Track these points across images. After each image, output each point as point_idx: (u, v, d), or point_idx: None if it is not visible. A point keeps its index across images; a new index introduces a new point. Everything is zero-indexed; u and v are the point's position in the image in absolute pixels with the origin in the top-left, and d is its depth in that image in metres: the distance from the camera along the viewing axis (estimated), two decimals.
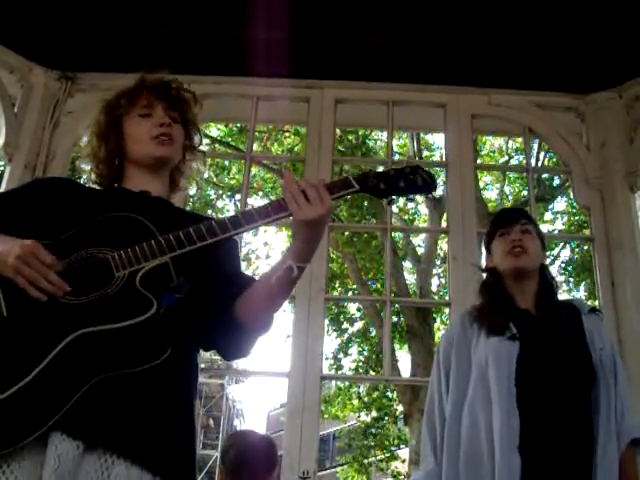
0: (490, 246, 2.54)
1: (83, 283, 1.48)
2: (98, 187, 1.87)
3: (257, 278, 1.73)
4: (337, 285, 12.90)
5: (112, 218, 1.62)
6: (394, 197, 1.65)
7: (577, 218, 12.62)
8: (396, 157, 11.18)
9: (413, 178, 1.62)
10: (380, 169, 1.68)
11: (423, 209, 12.94)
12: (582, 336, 2.30)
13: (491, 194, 13.98)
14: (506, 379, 2.20)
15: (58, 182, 1.83)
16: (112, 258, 1.51)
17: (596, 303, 3.61)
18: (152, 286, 1.49)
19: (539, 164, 10.64)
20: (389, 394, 13.45)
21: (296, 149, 11.77)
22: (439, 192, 12.29)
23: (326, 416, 14.37)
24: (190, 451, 1.55)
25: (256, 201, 13.65)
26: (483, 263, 2.67)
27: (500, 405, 2.17)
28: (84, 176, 1.92)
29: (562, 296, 12.69)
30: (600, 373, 2.23)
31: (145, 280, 1.50)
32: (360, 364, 13.22)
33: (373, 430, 13.82)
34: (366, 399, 13.70)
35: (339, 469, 19.70)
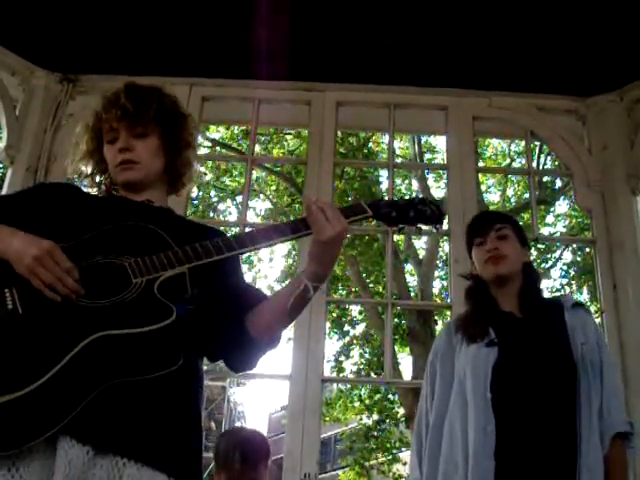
0: (471, 253, 2.54)
1: (99, 287, 1.48)
2: (100, 194, 1.89)
3: (269, 294, 1.76)
4: (339, 287, 12.90)
5: (126, 226, 1.63)
6: (404, 226, 1.71)
7: (579, 221, 12.61)
8: (398, 160, 11.17)
9: (422, 209, 1.69)
10: (392, 198, 1.73)
11: None
12: (564, 332, 2.28)
13: (494, 197, 13.99)
14: (482, 386, 2.20)
15: (63, 188, 1.83)
16: (129, 265, 1.52)
17: (598, 306, 3.60)
18: (168, 295, 1.50)
19: (541, 167, 10.65)
20: (390, 397, 13.44)
21: (298, 151, 11.78)
22: (441, 194, 12.38)
23: (327, 419, 14.37)
24: (198, 453, 1.56)
25: (257, 203, 13.69)
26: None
27: (476, 412, 2.17)
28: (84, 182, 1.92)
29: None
30: (581, 369, 2.20)
31: (162, 289, 1.50)
32: (362, 367, 13.23)
33: (375, 433, 13.81)
34: (367, 402, 13.69)
35: (340, 472, 19.70)
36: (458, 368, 2.31)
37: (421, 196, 1.74)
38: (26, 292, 1.44)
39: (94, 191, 1.89)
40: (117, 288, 1.48)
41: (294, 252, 12.76)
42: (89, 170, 1.88)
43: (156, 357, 1.46)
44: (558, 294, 12.66)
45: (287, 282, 1.71)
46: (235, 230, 4.31)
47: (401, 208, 1.69)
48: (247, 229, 3.27)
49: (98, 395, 1.36)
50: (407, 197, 1.74)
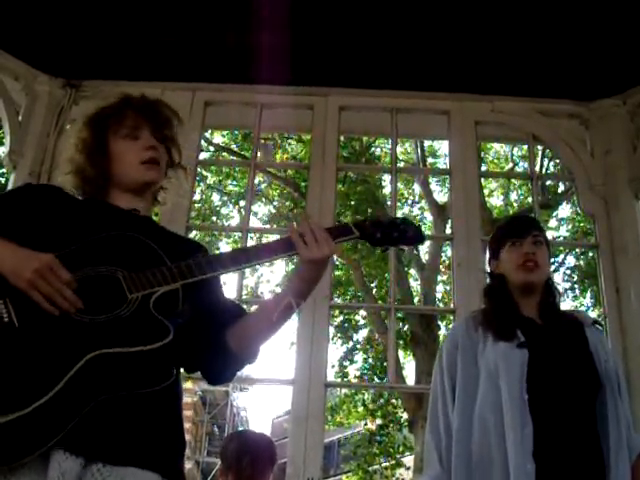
0: (499, 252, 2.49)
1: (94, 301, 1.47)
2: (82, 197, 1.85)
3: (250, 309, 1.82)
4: (342, 292, 12.90)
5: (114, 236, 1.62)
6: (388, 246, 1.77)
7: (582, 225, 12.61)
8: (400, 164, 11.18)
9: (404, 229, 1.75)
10: (377, 216, 1.81)
11: (428, 216, 12.95)
12: (586, 347, 2.29)
13: (497, 201, 13.99)
14: (518, 386, 2.18)
15: (49, 190, 1.82)
16: (123, 278, 1.51)
17: (601, 310, 3.60)
18: (161, 310, 1.51)
19: (543, 171, 10.64)
20: (394, 401, 13.43)
21: (300, 156, 11.79)
22: (444, 199, 12.38)
23: (331, 423, 14.36)
24: (183, 455, 1.59)
25: (260, 208, 13.68)
26: (487, 267, 2.63)
27: (512, 412, 2.15)
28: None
29: (567, 303, 12.69)
30: (606, 383, 2.22)
31: (156, 304, 1.51)
32: (365, 371, 13.22)
33: (378, 437, 13.80)
34: (371, 406, 13.69)
35: (344, 476, 19.68)
36: (487, 363, 2.27)
37: (403, 217, 1.81)
38: (21, 304, 1.43)
39: (79, 192, 1.84)
40: (112, 302, 1.47)
41: (295, 257, 12.74)
42: (90, 172, 1.82)
43: (151, 374, 1.48)
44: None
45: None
46: (237, 234, 4.31)
47: (385, 229, 1.73)
48: (249, 234, 3.28)
49: (92, 408, 1.37)
50: (390, 217, 1.80)
